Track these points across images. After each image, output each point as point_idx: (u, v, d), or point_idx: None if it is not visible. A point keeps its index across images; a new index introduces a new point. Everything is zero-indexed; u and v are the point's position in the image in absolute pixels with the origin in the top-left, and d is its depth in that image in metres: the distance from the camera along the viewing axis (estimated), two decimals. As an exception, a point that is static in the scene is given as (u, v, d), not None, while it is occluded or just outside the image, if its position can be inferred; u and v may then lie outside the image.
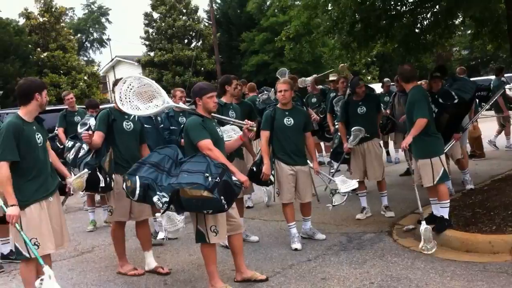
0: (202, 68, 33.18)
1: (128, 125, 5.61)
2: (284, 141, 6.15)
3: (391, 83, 12.08)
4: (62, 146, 8.13)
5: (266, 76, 30.40)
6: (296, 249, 6.07)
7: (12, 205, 4.22)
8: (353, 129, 7.21)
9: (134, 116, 5.63)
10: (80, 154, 5.64)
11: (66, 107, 9.75)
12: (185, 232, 7.09)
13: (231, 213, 4.95)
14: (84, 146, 5.64)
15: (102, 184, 5.28)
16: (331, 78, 10.86)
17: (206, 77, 32.34)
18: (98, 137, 5.44)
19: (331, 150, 8.83)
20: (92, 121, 5.79)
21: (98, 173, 5.27)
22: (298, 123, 6.20)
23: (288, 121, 6.15)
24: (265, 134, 6.13)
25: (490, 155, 11.51)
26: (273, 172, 6.09)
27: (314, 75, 11.07)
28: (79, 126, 6.71)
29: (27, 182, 4.39)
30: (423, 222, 5.74)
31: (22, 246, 4.37)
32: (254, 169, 6.01)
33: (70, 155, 8.09)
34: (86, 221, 8.34)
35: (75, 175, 5.23)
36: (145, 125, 6.72)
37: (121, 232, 5.71)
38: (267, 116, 6.20)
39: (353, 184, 6.29)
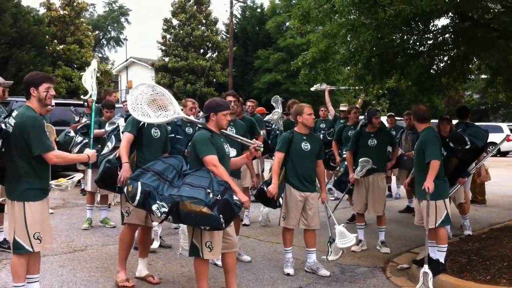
0: (214, 80, 33.31)
1: (156, 132, 5.63)
2: (298, 165, 6.13)
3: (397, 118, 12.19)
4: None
5: (277, 95, 30.47)
6: (288, 274, 6.05)
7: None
8: (361, 160, 7.24)
9: (163, 125, 5.67)
10: (104, 152, 5.70)
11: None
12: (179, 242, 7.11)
13: (227, 231, 4.94)
14: (109, 143, 5.71)
15: (119, 184, 5.26)
16: (342, 108, 10.96)
17: (217, 88, 32.50)
18: (127, 139, 5.44)
19: (335, 178, 8.89)
20: (121, 122, 5.80)
21: (118, 172, 5.30)
22: (314, 149, 6.22)
23: (306, 146, 6.15)
24: (279, 156, 6.10)
25: (491, 202, 11.49)
26: (282, 195, 6.08)
27: (327, 86, 11.23)
28: (107, 125, 6.78)
29: (38, 176, 4.43)
30: (425, 266, 5.66)
31: (24, 239, 4.37)
32: (264, 188, 5.99)
33: (75, 150, 8.18)
34: (82, 218, 8.36)
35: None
36: None
37: (130, 236, 5.61)
38: (285, 138, 6.19)
39: (351, 240, 6.14)
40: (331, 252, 6.30)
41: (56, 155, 4.42)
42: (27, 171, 4.35)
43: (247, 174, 7.12)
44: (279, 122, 8.87)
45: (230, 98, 6.61)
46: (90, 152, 4.74)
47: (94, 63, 6.92)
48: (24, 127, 4.32)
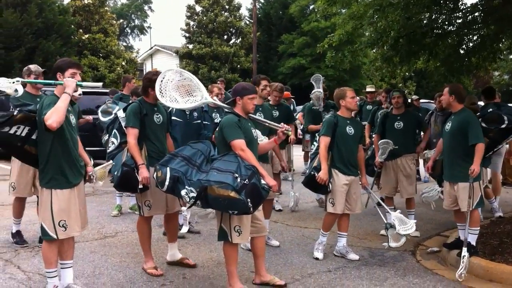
0: (239, 66, 33.24)
1: (158, 118, 5.47)
2: (343, 149, 6.03)
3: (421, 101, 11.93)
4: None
5: (301, 80, 30.37)
6: (317, 258, 6.03)
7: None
8: (380, 142, 7.16)
9: (160, 107, 5.53)
10: (110, 149, 5.51)
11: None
12: (208, 227, 7.16)
13: (256, 215, 4.94)
14: (114, 140, 5.48)
15: (140, 186, 5.17)
16: (368, 90, 10.78)
17: (242, 75, 32.46)
18: (134, 136, 5.25)
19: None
20: (120, 113, 5.51)
21: (136, 174, 5.16)
22: (357, 134, 6.15)
23: (350, 130, 6.06)
24: (325, 140, 5.99)
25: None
26: (330, 180, 5.97)
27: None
28: (100, 114, 6.62)
29: (67, 164, 4.47)
30: (464, 249, 5.52)
31: (49, 227, 4.44)
32: (313, 173, 5.92)
33: (104, 137, 8.23)
34: (112, 205, 8.45)
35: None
36: (177, 118, 6.76)
37: (147, 226, 5.58)
38: (330, 122, 6.07)
39: (412, 226, 5.92)
40: (390, 238, 6.03)
41: (48, 115, 4.22)
42: (54, 158, 4.40)
43: (277, 159, 7.08)
44: (319, 102, 8.64)
45: (265, 82, 6.52)
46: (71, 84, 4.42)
47: None
48: (43, 105, 4.37)
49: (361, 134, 6.31)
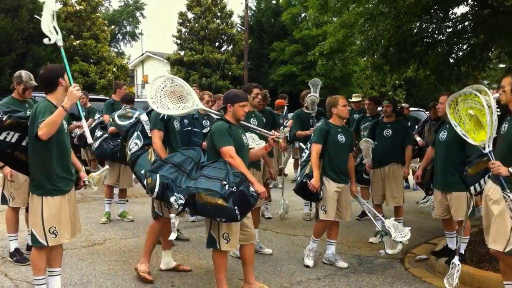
0: (230, 73, 33.28)
1: (176, 124, 5.66)
2: (335, 157, 6.05)
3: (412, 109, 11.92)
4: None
5: (292, 87, 30.45)
6: (307, 266, 6.02)
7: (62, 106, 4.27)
8: (360, 142, 7.18)
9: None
10: (133, 150, 5.58)
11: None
12: (197, 235, 7.14)
13: (245, 222, 4.93)
14: (137, 141, 5.59)
15: None
16: (353, 99, 10.75)
17: (233, 82, 32.48)
18: (160, 138, 5.39)
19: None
20: (143, 117, 5.67)
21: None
22: (348, 142, 6.17)
23: (341, 138, 6.08)
24: (317, 148, 6.00)
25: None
26: (322, 188, 5.99)
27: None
28: (117, 118, 6.66)
29: (59, 171, 4.43)
30: (456, 257, 5.38)
31: (39, 233, 4.40)
32: (305, 180, 5.93)
33: (95, 144, 8.22)
34: (101, 212, 8.41)
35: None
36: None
37: (161, 230, 5.57)
38: (322, 129, 6.08)
39: (407, 233, 5.88)
40: (386, 246, 6.01)
41: (42, 127, 4.18)
42: (45, 165, 4.36)
43: (265, 168, 7.06)
44: (313, 106, 8.61)
45: (256, 90, 6.53)
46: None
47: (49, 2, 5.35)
48: (35, 112, 4.34)
49: (352, 142, 6.33)
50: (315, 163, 5.92)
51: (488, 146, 4.58)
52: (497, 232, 4.43)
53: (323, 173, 6.03)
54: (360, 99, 10.16)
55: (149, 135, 5.50)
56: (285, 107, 11.54)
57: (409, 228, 6.08)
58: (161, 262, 5.83)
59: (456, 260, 5.42)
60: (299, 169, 6.62)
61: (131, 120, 6.20)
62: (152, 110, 5.39)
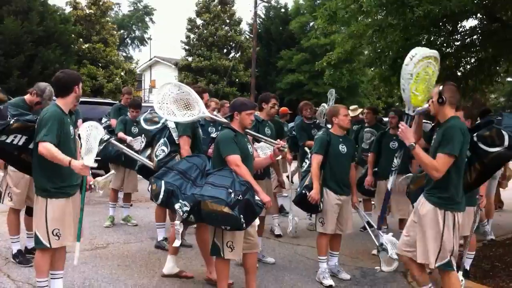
0: (237, 80, 33.39)
1: (199, 132, 5.72)
2: (336, 168, 5.90)
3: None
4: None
5: (299, 96, 30.47)
6: (331, 286, 5.76)
7: (69, 162, 4.19)
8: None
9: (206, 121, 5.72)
10: (160, 157, 5.64)
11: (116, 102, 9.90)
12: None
13: (249, 231, 4.92)
14: (164, 148, 5.66)
15: None
16: (352, 114, 10.59)
17: (240, 88, 32.56)
18: (188, 144, 5.44)
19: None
20: (171, 123, 5.72)
21: None
22: (349, 152, 6.04)
23: (343, 148, 5.95)
24: (318, 158, 5.86)
25: (509, 207, 11.28)
26: (322, 200, 5.85)
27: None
28: (143, 123, 6.65)
29: (61, 173, 4.42)
30: (460, 272, 5.28)
31: (43, 235, 4.42)
32: (305, 192, 5.80)
33: (100, 147, 8.24)
34: (104, 216, 8.41)
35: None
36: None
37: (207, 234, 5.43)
38: (323, 140, 5.93)
39: None
40: (382, 262, 5.97)
41: (45, 147, 4.22)
42: (51, 168, 4.37)
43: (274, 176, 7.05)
44: (320, 117, 8.56)
45: (274, 100, 6.56)
46: (77, 163, 4.22)
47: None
48: (44, 117, 4.37)
49: (353, 152, 6.26)
50: (315, 174, 5.79)
51: (409, 109, 4.98)
52: (425, 247, 4.47)
53: (323, 184, 5.89)
54: (357, 113, 10.06)
55: (176, 142, 5.57)
56: (288, 115, 11.56)
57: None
58: (164, 267, 5.82)
59: (460, 275, 5.39)
60: (300, 179, 6.59)
61: (158, 126, 6.21)
62: None
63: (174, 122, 5.63)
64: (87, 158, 4.24)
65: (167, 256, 5.83)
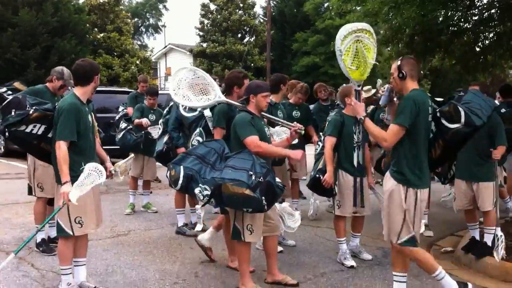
0: (252, 64, 33.27)
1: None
2: (351, 150, 5.77)
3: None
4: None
5: (315, 78, 30.26)
6: (352, 266, 5.73)
7: (65, 182, 4.25)
8: None
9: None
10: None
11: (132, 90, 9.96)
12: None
13: (269, 214, 4.92)
14: (199, 138, 5.60)
15: None
16: (364, 95, 10.31)
17: (255, 73, 32.43)
18: (221, 136, 5.30)
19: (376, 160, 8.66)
20: (207, 112, 5.64)
21: None
22: (364, 132, 5.88)
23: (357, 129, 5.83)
24: (332, 140, 5.73)
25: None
26: (336, 183, 5.77)
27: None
28: (181, 110, 6.53)
29: (83, 163, 4.42)
30: (498, 228, 5.55)
31: (65, 223, 4.46)
32: (318, 176, 5.71)
33: (119, 136, 8.32)
34: (125, 203, 8.48)
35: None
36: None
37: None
38: (336, 121, 5.79)
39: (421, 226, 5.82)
40: None
41: (60, 148, 4.29)
42: (70, 156, 4.36)
43: (299, 166, 7.02)
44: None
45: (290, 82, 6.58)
46: (66, 189, 4.23)
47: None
48: (62, 110, 4.39)
49: (367, 133, 6.15)
50: (329, 157, 5.67)
51: (354, 84, 5.14)
52: (390, 223, 4.52)
53: (338, 166, 5.80)
54: (371, 93, 9.87)
55: (212, 132, 5.49)
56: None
57: (424, 221, 5.99)
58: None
59: (498, 231, 5.40)
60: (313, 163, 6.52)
61: (195, 113, 6.13)
62: (215, 105, 5.37)
63: (210, 111, 5.56)
64: (73, 193, 4.21)
65: (209, 228, 5.89)
